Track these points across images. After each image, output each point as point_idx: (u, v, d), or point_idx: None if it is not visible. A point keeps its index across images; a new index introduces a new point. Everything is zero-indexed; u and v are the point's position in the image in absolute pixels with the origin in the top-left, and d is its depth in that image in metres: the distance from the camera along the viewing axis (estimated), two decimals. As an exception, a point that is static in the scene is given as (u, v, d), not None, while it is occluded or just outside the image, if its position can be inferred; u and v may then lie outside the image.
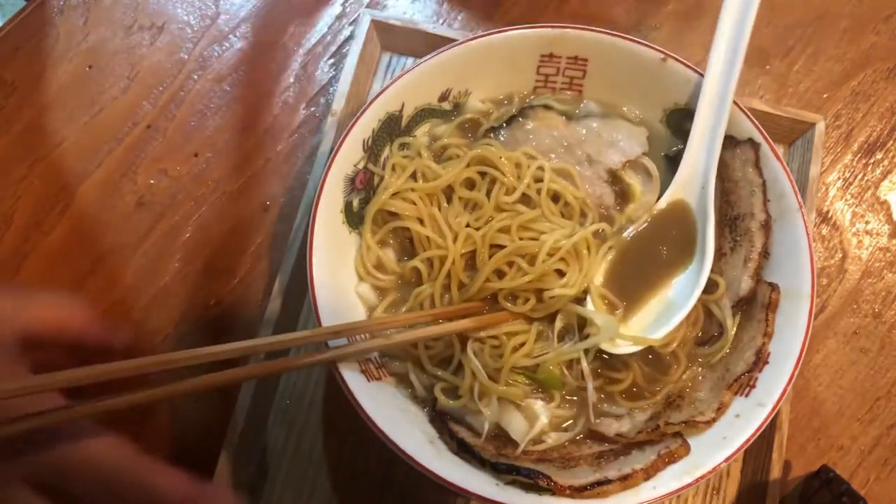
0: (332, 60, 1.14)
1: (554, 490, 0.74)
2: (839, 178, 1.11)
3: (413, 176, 0.91)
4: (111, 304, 0.99)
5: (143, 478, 0.60)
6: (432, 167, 0.91)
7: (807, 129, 1.05)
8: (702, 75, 0.92)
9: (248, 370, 0.76)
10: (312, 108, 1.12)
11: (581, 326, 0.87)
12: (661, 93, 0.97)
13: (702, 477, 0.75)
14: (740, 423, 0.79)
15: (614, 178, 0.95)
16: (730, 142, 0.92)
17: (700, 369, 0.87)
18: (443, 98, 0.98)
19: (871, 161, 1.12)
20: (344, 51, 1.14)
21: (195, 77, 1.13)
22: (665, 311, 0.88)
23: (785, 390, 0.79)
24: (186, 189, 1.06)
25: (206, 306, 1.00)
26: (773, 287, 0.86)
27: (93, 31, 1.15)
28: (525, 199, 0.91)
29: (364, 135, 0.90)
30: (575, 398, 0.86)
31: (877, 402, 0.99)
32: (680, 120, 0.97)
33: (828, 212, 1.09)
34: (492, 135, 0.95)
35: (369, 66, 1.11)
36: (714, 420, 0.81)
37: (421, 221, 0.89)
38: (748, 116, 0.91)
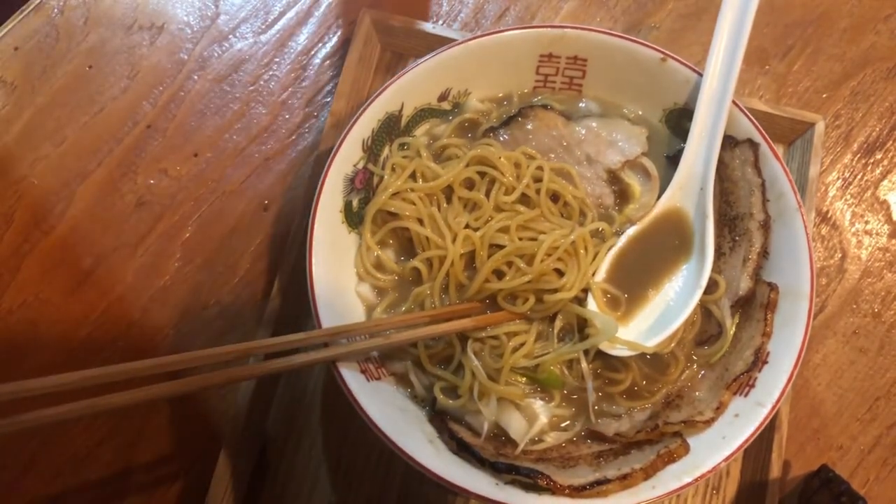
0: (331, 60, 1.14)
1: (553, 489, 0.74)
2: (839, 178, 1.11)
3: (413, 176, 0.91)
4: (111, 304, 1.00)
5: None
6: (432, 167, 0.91)
7: (806, 129, 1.05)
8: (701, 75, 0.92)
9: (248, 370, 0.76)
10: (312, 108, 1.12)
11: (581, 326, 0.87)
12: (660, 92, 0.97)
13: (701, 477, 0.75)
14: (740, 423, 0.79)
15: (614, 177, 0.96)
16: (729, 142, 0.92)
17: (699, 369, 0.88)
18: (442, 98, 0.98)
19: (871, 161, 1.12)
20: (344, 51, 1.14)
21: (195, 77, 1.13)
22: (665, 313, 0.88)
23: (784, 390, 0.79)
24: (186, 189, 1.06)
25: (206, 306, 1.00)
26: (772, 287, 0.86)
27: (93, 32, 1.15)
28: (524, 199, 0.91)
29: (364, 135, 0.90)
30: (575, 398, 0.86)
31: (876, 401, 0.99)
32: (679, 119, 0.97)
33: (827, 212, 1.09)
34: (491, 135, 0.95)
35: (369, 66, 1.11)
36: (713, 420, 0.81)
37: (420, 221, 0.90)
38: (747, 116, 0.91)
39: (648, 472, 0.76)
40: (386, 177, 0.92)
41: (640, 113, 1.01)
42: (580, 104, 1.01)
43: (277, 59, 1.14)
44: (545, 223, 0.90)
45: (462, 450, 0.78)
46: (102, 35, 1.15)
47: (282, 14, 1.18)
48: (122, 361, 0.62)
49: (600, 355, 0.86)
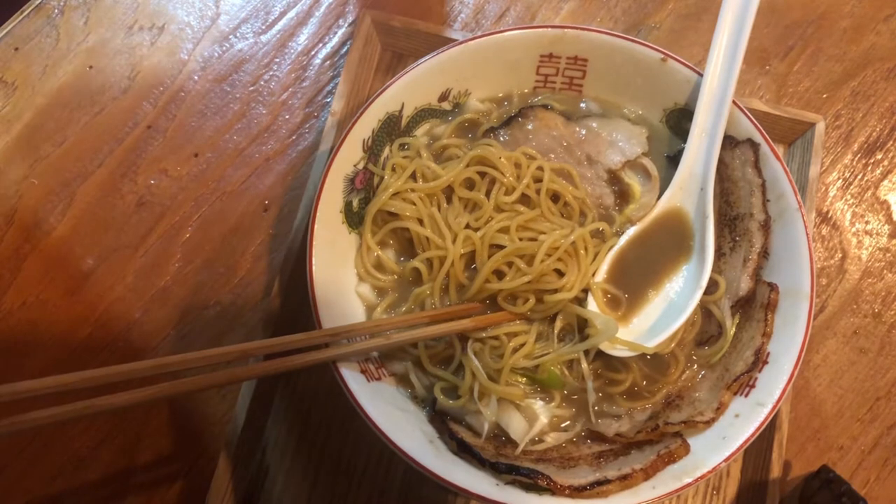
0: (331, 60, 1.14)
1: (553, 490, 0.74)
2: (839, 178, 1.11)
3: (413, 176, 0.91)
4: (112, 304, 1.00)
5: None
6: (432, 167, 0.91)
7: (806, 129, 1.05)
8: (701, 75, 0.92)
9: (248, 370, 0.76)
10: (313, 109, 1.12)
11: (581, 326, 0.87)
12: (660, 93, 0.97)
13: (701, 477, 0.75)
14: (740, 423, 0.79)
15: (614, 178, 0.96)
16: (729, 142, 0.92)
17: (699, 369, 0.88)
18: (443, 98, 0.98)
19: (871, 161, 1.12)
20: (344, 51, 1.14)
21: (195, 77, 1.13)
22: (666, 313, 0.88)
23: (784, 390, 0.79)
24: (187, 189, 1.06)
25: (206, 306, 1.00)
26: (773, 287, 0.86)
27: (93, 32, 1.15)
28: (525, 199, 0.91)
29: (364, 135, 0.90)
30: (575, 398, 0.86)
31: (877, 402, 0.99)
32: (680, 119, 0.97)
33: (827, 212, 1.09)
34: (492, 135, 0.95)
35: (369, 67, 1.11)
36: (714, 420, 0.81)
37: (421, 222, 0.90)
38: (748, 116, 0.91)
39: (649, 473, 0.76)
40: (386, 177, 0.92)
41: (641, 113, 1.01)
42: (580, 104, 1.01)
43: (278, 60, 1.15)
44: (545, 223, 0.90)
45: (462, 450, 0.78)
46: (103, 35, 1.15)
47: (282, 14, 1.18)
48: (122, 362, 0.62)
49: (600, 356, 0.86)
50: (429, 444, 0.78)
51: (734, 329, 0.88)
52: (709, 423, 0.80)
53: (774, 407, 0.79)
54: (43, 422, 0.57)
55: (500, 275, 0.87)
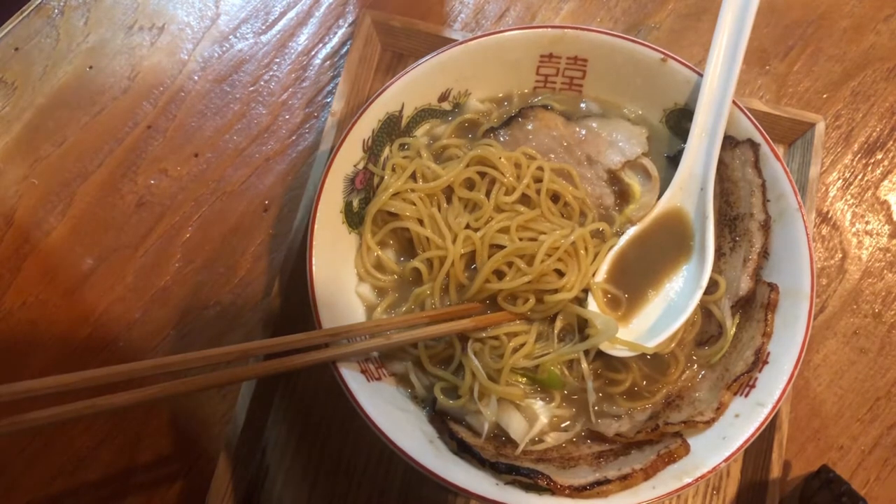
0: (332, 60, 1.14)
1: (553, 490, 0.74)
2: (839, 179, 1.11)
3: (413, 176, 0.91)
4: (111, 304, 1.00)
5: None
6: (432, 167, 0.91)
7: (806, 129, 1.05)
8: (701, 75, 0.92)
9: (248, 370, 0.76)
10: (313, 109, 1.12)
11: (581, 326, 0.87)
12: (660, 93, 0.97)
13: (701, 477, 0.75)
14: (740, 423, 0.79)
15: (614, 178, 0.96)
16: (729, 142, 0.92)
17: (699, 369, 0.88)
18: (443, 98, 0.98)
19: (871, 161, 1.12)
20: (344, 51, 1.14)
21: (195, 78, 1.13)
22: (666, 313, 0.88)
23: (784, 390, 0.79)
24: (186, 189, 1.06)
25: (206, 306, 1.00)
26: (773, 287, 0.86)
27: (93, 32, 1.15)
28: (525, 199, 0.91)
29: (364, 135, 0.90)
30: (575, 398, 0.86)
31: (877, 402, 0.99)
32: (680, 120, 0.97)
33: (828, 212, 1.09)
34: (492, 135, 0.95)
35: (369, 67, 1.11)
36: (714, 420, 0.81)
37: (421, 222, 0.90)
38: (748, 116, 0.91)
39: (649, 473, 0.76)
40: (386, 177, 0.92)
41: (641, 113, 1.01)
42: (580, 104, 1.02)
43: (278, 60, 1.15)
44: (545, 223, 0.90)
45: (462, 450, 0.78)
46: (103, 35, 1.15)
47: (282, 14, 1.18)
48: (122, 362, 0.62)
49: (600, 356, 0.86)
50: (429, 444, 0.78)
51: (734, 329, 0.88)
52: (709, 423, 0.80)
53: (774, 407, 0.79)
54: (43, 422, 0.57)
55: (500, 275, 0.87)
